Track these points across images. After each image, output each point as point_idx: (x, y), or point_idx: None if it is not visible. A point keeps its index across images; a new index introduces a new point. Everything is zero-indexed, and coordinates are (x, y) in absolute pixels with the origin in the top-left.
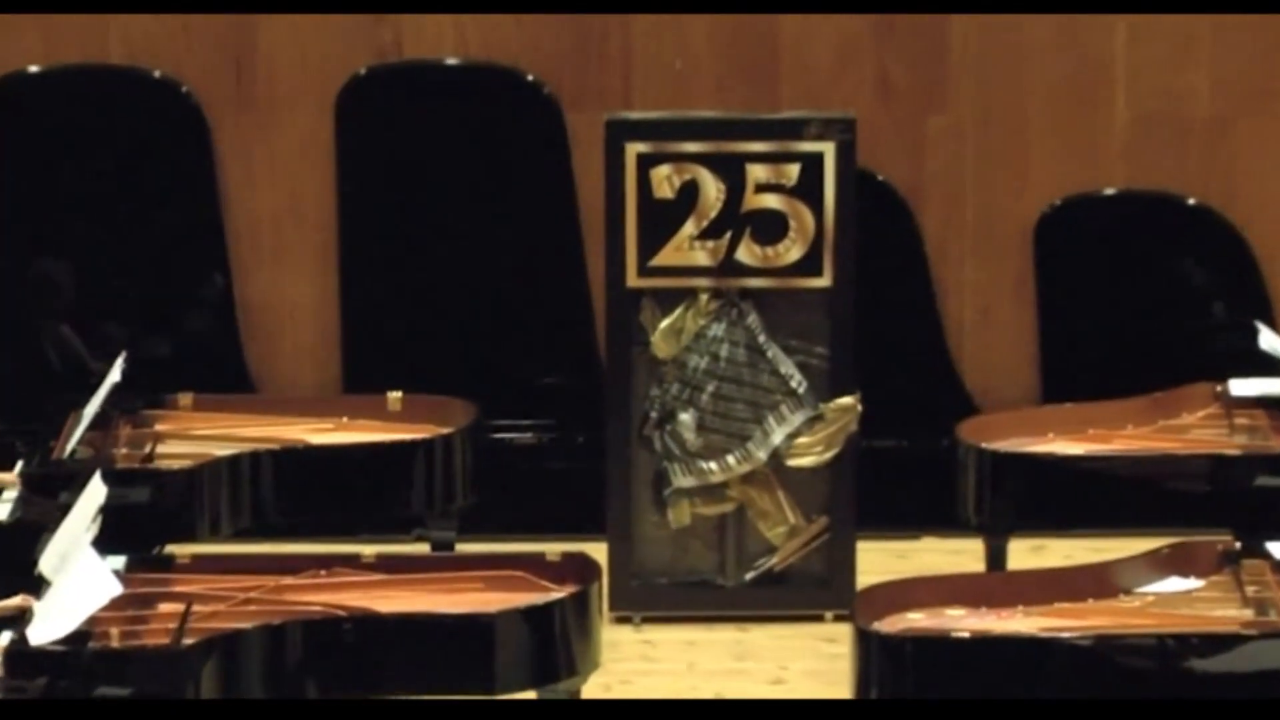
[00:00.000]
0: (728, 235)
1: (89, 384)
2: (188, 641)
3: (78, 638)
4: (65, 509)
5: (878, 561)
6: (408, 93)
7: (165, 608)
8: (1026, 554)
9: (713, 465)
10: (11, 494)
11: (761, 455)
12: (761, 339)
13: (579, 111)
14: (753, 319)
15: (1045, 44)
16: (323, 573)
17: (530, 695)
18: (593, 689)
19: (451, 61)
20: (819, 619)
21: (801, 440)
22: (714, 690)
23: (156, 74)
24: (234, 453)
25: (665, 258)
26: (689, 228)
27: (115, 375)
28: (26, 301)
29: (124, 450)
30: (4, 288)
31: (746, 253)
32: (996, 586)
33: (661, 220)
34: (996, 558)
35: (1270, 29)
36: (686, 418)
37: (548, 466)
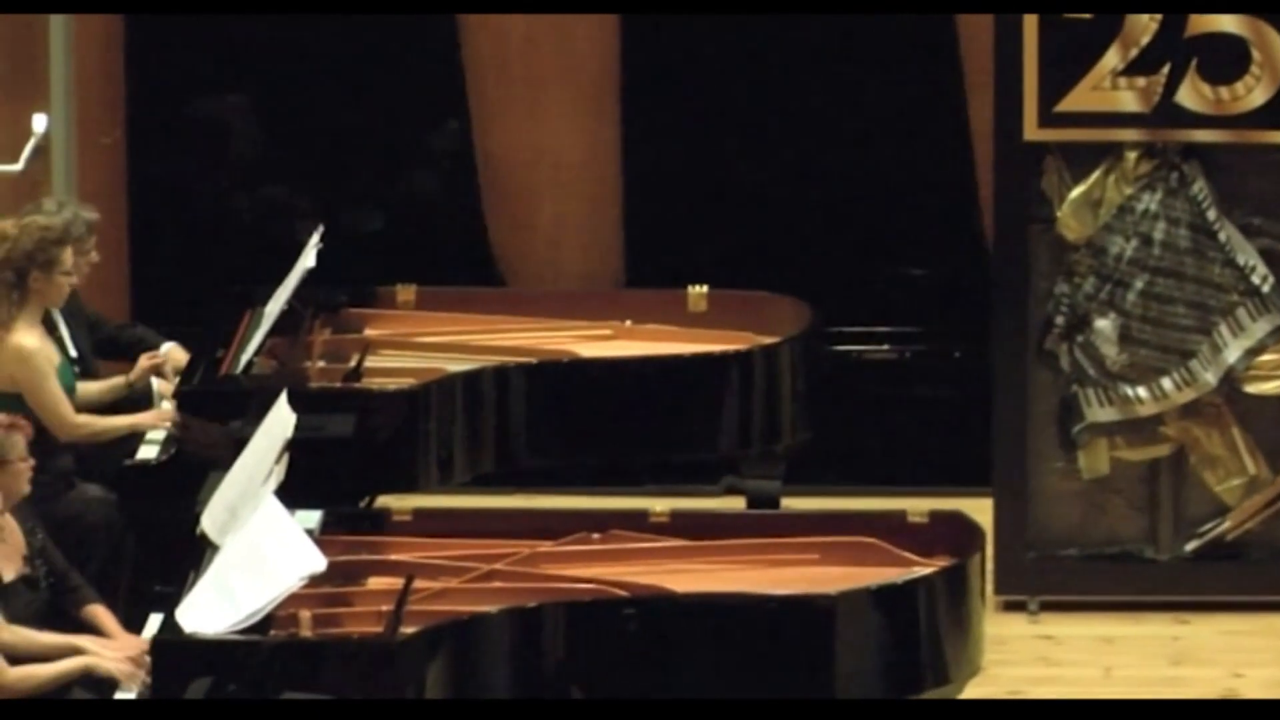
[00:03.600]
0: (1165, 69)
1: (269, 271)
2: (406, 631)
3: (253, 624)
4: (238, 444)
5: None
6: None
7: (376, 583)
8: None
9: (1141, 392)
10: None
11: (1210, 378)
12: (1211, 215)
13: None
14: (1199, 187)
15: None
16: (595, 537)
17: None
18: None
19: None
20: None
21: (1267, 358)
22: None
23: None
24: (472, 368)
25: (1078, 100)
26: (1111, 58)
27: (308, 259)
28: (187, 160)
29: (320, 364)
30: (161, 143)
31: (1191, 94)
32: None
33: (1073, 48)
34: None
35: None
36: (1106, 325)
37: (911, 392)
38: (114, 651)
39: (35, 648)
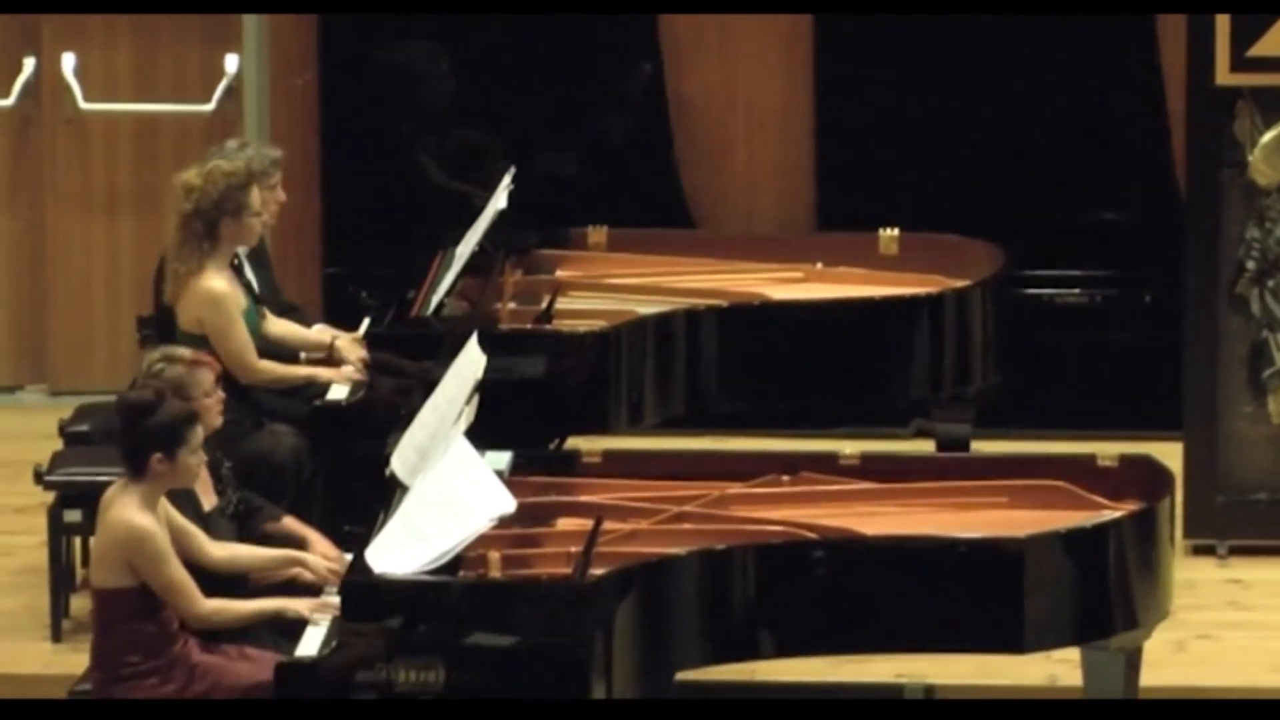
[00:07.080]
0: None
1: (460, 212)
2: (596, 572)
3: (443, 565)
4: (428, 386)
5: None
6: None
7: (565, 524)
8: None
9: None
10: (352, 369)
11: None
12: None
13: None
14: None
15: None
16: (785, 479)
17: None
18: (1159, 648)
19: None
20: None
21: None
22: None
23: None
24: (664, 310)
25: (1271, 45)
26: None
27: (500, 201)
28: (379, 101)
29: (511, 305)
30: (353, 85)
31: None
32: None
33: None
34: None
35: None
36: None
37: (1102, 336)
38: (327, 563)
39: (256, 561)
